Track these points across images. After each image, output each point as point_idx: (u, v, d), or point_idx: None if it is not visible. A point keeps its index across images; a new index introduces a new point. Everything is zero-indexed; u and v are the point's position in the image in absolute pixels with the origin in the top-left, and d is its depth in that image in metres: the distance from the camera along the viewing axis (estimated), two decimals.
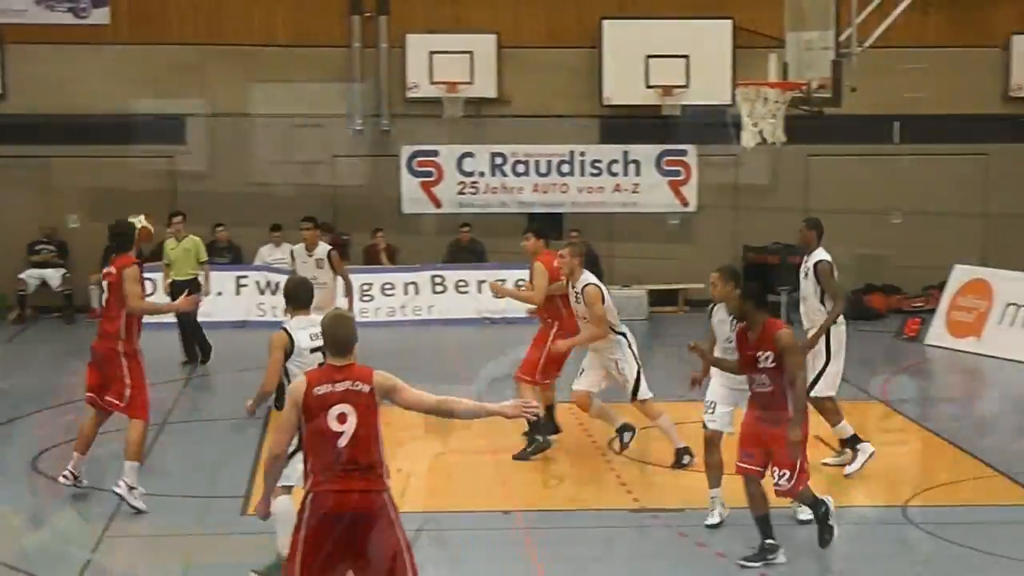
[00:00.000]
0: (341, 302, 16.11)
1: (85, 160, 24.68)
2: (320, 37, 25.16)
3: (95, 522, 11.60)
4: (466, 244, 24.95)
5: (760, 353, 10.48)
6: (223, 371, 15.77)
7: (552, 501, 12.51)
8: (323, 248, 16.34)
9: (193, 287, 19.17)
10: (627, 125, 25.36)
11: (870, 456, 13.13)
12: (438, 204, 25.43)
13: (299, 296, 10.47)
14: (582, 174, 25.59)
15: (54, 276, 24.27)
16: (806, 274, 13.49)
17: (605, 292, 13.41)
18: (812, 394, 12.53)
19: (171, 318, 19.18)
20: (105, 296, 12.55)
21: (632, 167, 25.66)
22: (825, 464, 13.34)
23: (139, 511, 11.78)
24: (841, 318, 13.31)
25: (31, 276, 24.16)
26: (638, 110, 25.03)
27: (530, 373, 14.25)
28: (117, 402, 12.27)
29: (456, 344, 21.50)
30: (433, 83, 24.74)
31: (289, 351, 10.12)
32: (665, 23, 25.00)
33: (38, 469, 13.43)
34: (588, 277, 13.32)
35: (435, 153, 25.36)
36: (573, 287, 13.48)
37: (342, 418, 7.76)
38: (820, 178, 25.76)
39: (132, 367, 12.27)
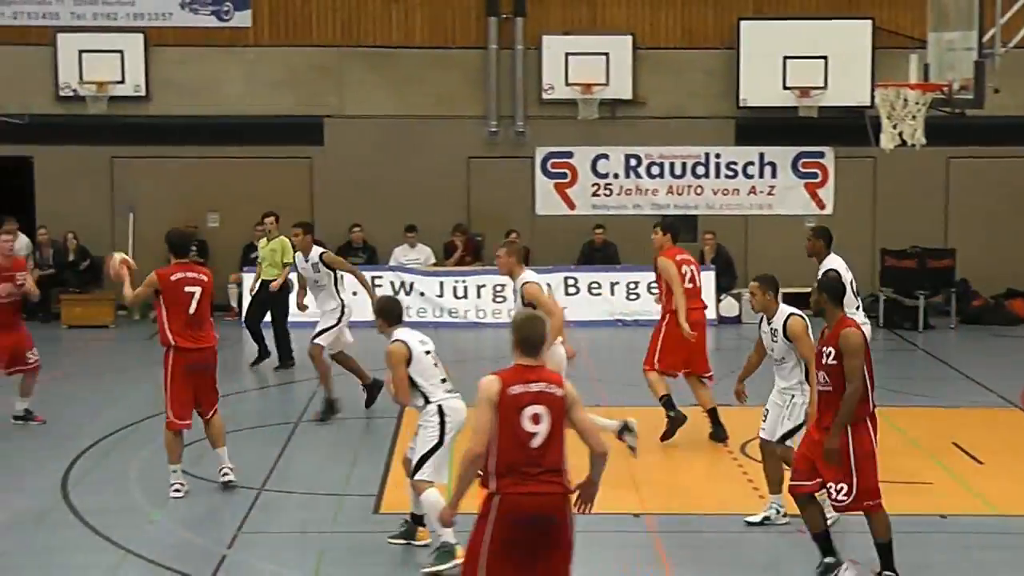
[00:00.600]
0: (351, 300, 16.53)
1: (225, 160, 25.13)
2: (456, 39, 25.31)
3: (230, 518, 11.77)
4: (600, 246, 24.91)
5: (825, 348, 10.22)
6: (343, 374, 15.94)
7: (683, 504, 12.43)
8: (316, 252, 16.46)
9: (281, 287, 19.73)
10: (763, 127, 25.15)
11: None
12: (572, 206, 25.43)
13: (393, 310, 10.99)
14: (717, 176, 25.43)
15: None
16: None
17: (542, 284, 13.50)
18: None
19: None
20: (197, 303, 12.51)
21: (768, 169, 25.43)
22: None
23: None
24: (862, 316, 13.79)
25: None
26: (774, 111, 24.78)
27: (649, 362, 15.03)
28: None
29: (589, 346, 21.44)
30: (568, 84, 24.75)
31: (408, 360, 10.56)
32: (803, 23, 24.74)
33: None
34: (527, 275, 13.39)
35: (569, 155, 25.37)
36: (514, 286, 13.69)
37: (536, 419, 7.73)
38: (960, 181, 25.32)
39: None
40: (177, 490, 12.38)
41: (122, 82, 24.63)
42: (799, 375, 11.42)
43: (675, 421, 14.86)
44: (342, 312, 16.07)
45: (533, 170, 25.36)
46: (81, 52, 24.51)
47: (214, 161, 25.12)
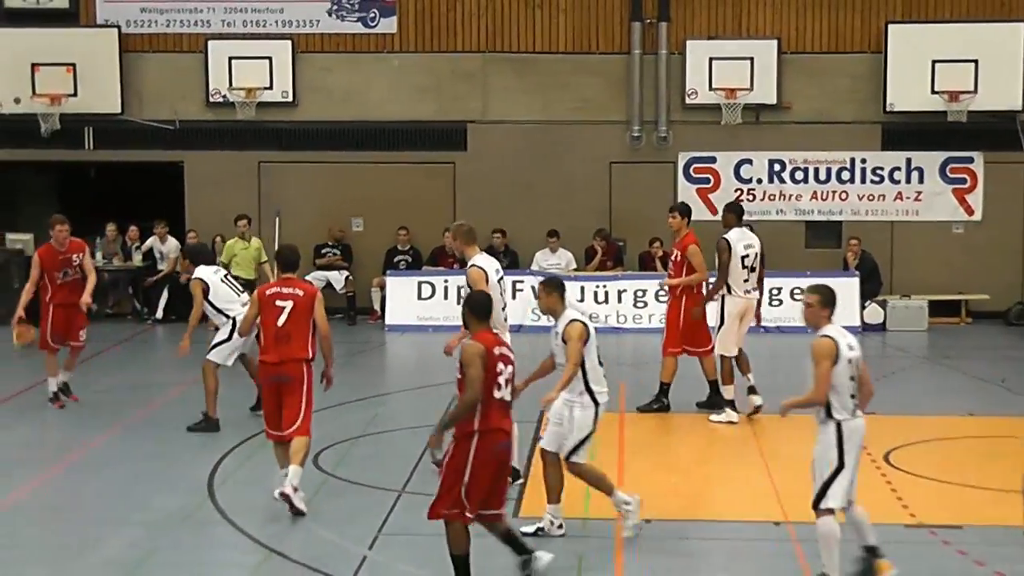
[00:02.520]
0: None
1: (370, 166, 25.41)
2: (600, 44, 25.31)
3: (372, 519, 11.88)
4: None
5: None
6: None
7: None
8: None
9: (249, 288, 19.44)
10: (910, 131, 24.78)
11: (729, 422, 15.68)
12: (714, 211, 25.23)
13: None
14: (863, 181, 25.10)
15: (338, 279, 24.97)
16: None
17: (487, 270, 13.08)
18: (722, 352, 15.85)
19: None
20: (287, 317, 12.30)
21: (915, 174, 25.05)
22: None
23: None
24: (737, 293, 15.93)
25: (316, 278, 24.88)
26: (922, 116, 24.41)
27: (672, 344, 16.32)
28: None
29: None
30: (712, 89, 24.62)
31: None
32: (953, 27, 24.36)
33: (319, 465, 13.80)
34: (476, 259, 13.15)
35: (712, 159, 25.24)
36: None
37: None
38: None
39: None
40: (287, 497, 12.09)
41: (270, 88, 25.04)
42: (581, 385, 11.06)
43: (661, 407, 16.35)
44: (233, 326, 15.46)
45: (675, 175, 25.27)
46: (231, 59, 24.98)
47: (359, 166, 25.42)
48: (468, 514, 9.81)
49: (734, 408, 15.95)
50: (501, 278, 13.22)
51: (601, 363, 11.31)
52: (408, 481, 13.28)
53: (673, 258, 16.50)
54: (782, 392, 17.47)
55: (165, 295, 24.74)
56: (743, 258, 16.09)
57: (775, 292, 23.69)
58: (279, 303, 12.29)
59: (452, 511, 9.80)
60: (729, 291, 15.99)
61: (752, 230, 16.79)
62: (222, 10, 25.44)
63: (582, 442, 11.19)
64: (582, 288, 23.90)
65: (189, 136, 25.41)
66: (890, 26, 24.43)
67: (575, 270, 24.51)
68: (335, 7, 25.43)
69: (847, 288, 23.60)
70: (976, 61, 23.98)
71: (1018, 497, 10.42)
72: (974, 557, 10.87)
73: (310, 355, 12.24)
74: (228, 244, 22.57)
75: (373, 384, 18.99)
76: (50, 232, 16.70)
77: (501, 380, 9.79)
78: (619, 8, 25.19)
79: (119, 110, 25.19)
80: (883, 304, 23.92)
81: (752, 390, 16.23)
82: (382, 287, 24.62)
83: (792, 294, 23.60)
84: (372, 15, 25.43)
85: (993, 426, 15.95)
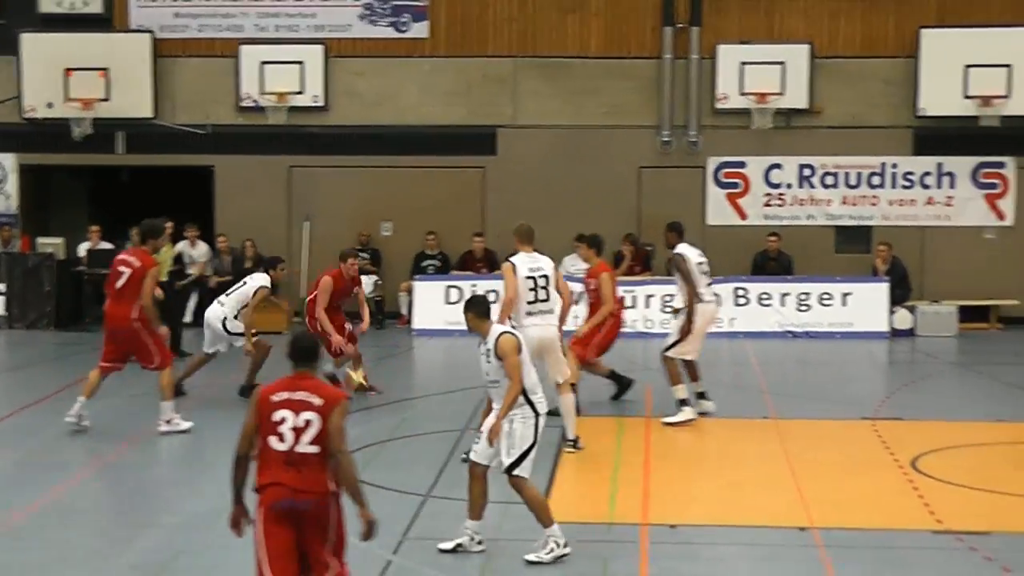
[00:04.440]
0: None
1: (400, 170, 25.49)
2: (632, 48, 25.31)
3: (397, 524, 11.90)
4: (774, 254, 24.66)
5: None
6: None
7: (851, 519, 12.23)
8: None
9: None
10: (942, 136, 24.70)
11: (687, 421, 15.84)
12: (743, 216, 25.26)
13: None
14: (893, 186, 25.04)
15: (367, 283, 24.96)
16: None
17: (517, 265, 14.39)
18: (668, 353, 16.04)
19: None
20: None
21: (946, 180, 24.98)
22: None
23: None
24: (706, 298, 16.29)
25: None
26: (954, 121, 24.34)
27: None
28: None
29: (759, 357, 21.28)
30: (743, 94, 24.62)
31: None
32: (986, 31, 24.31)
33: None
34: (515, 256, 14.56)
35: (742, 164, 25.21)
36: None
37: None
38: None
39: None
40: None
41: (301, 93, 25.15)
42: (520, 397, 10.80)
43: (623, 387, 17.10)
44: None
45: (705, 179, 25.26)
46: (263, 63, 25.09)
47: (389, 171, 25.51)
48: None
49: (688, 405, 16.07)
50: (540, 275, 14.30)
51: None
52: (435, 485, 13.30)
53: (588, 287, 16.64)
54: (813, 398, 17.61)
55: (195, 299, 24.82)
56: (699, 264, 16.36)
57: (803, 297, 23.65)
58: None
59: None
60: (699, 299, 16.23)
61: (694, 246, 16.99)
62: (255, 15, 25.56)
63: (524, 455, 10.84)
64: None
65: (220, 140, 25.53)
66: (923, 31, 24.38)
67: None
68: (367, 12, 25.52)
69: (876, 294, 23.61)
70: (1009, 66, 23.92)
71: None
72: (1001, 563, 10.81)
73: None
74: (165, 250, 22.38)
75: (401, 388, 19.02)
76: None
77: (283, 430, 8.30)
78: (651, 13, 25.20)
79: (151, 114, 25.35)
80: (912, 309, 23.85)
81: (704, 396, 16.58)
82: (410, 291, 24.67)
83: (820, 299, 23.55)
84: (404, 19, 25.50)
85: (1022, 432, 15.87)
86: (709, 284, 16.50)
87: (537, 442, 10.92)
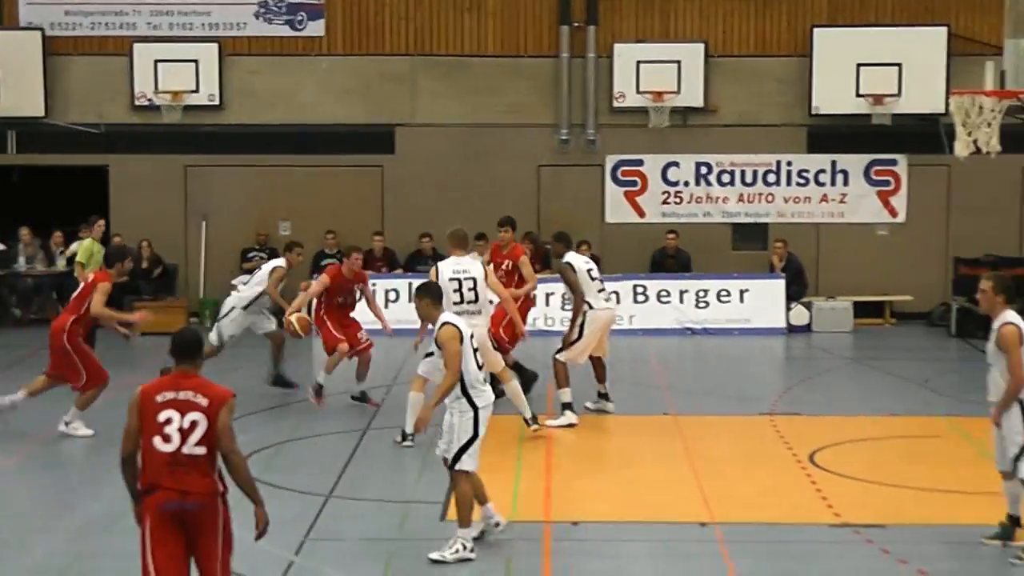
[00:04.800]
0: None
1: (297, 169, 25.32)
2: (528, 47, 25.35)
3: (298, 524, 11.84)
4: (672, 252, 24.81)
5: None
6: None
7: (750, 514, 12.36)
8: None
9: None
10: (836, 134, 25.01)
11: (569, 425, 15.79)
12: (641, 214, 25.39)
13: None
14: (788, 184, 25.30)
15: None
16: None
17: (440, 269, 14.90)
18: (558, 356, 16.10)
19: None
20: None
21: (840, 177, 25.28)
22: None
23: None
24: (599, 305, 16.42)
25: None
26: (847, 119, 24.64)
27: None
28: None
29: (658, 354, 21.43)
30: (640, 92, 24.73)
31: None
32: (878, 31, 24.60)
33: None
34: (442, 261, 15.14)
35: (640, 163, 25.35)
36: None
37: None
38: None
39: None
40: None
41: (196, 91, 24.88)
42: (458, 390, 10.92)
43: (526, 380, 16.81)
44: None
45: (603, 178, 25.36)
46: (157, 62, 24.79)
47: (286, 170, 25.32)
48: None
49: (572, 410, 16.07)
50: (467, 277, 14.71)
51: (480, 366, 11.12)
52: (336, 485, 13.25)
53: (505, 267, 17.09)
54: (712, 394, 17.75)
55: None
56: (589, 271, 16.52)
57: (701, 294, 23.84)
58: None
59: None
60: (590, 307, 16.32)
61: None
62: (148, 12, 25.25)
63: (464, 448, 10.90)
64: None
65: (114, 139, 25.19)
66: (815, 30, 24.63)
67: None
68: (262, 10, 25.31)
69: (773, 290, 23.85)
70: (900, 65, 24.23)
71: (940, 496, 10.55)
72: (897, 556, 10.98)
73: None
74: (85, 245, 22.05)
75: (301, 388, 18.90)
76: None
77: (169, 431, 8.14)
78: (547, 12, 25.24)
79: (43, 113, 24.95)
80: (808, 306, 24.11)
81: (605, 397, 16.75)
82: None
83: (719, 296, 23.76)
84: (300, 18, 25.33)
85: (916, 426, 16.13)
86: (601, 290, 16.60)
87: (479, 435, 10.96)
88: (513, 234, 17.46)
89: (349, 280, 17.29)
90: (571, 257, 16.49)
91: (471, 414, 10.94)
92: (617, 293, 23.82)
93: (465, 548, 10.85)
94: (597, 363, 16.70)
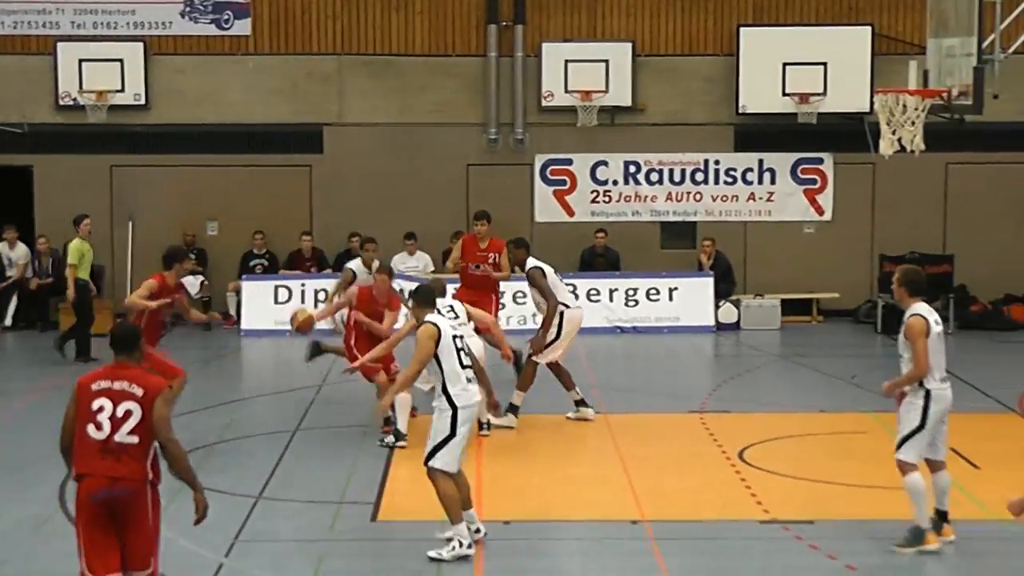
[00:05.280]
0: None
1: (224, 169, 25.14)
2: (456, 46, 25.33)
3: (228, 526, 11.76)
4: (601, 251, 24.88)
5: None
6: (353, 379, 15.90)
7: (681, 511, 12.43)
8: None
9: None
10: (762, 133, 25.16)
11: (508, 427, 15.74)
12: (571, 213, 25.44)
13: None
14: (716, 183, 25.43)
15: (193, 283, 24.63)
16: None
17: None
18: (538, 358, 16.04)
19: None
20: None
21: (767, 175, 25.44)
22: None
23: None
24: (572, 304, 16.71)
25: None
26: (774, 118, 24.80)
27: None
28: None
29: (588, 353, 21.46)
30: (568, 92, 24.77)
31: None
32: (803, 30, 24.77)
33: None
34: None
35: (569, 162, 25.39)
36: None
37: None
38: (959, 187, 25.31)
39: None
40: None
41: (122, 91, 24.65)
42: (439, 388, 11.03)
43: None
44: None
45: (532, 177, 25.38)
46: (81, 61, 24.55)
47: (213, 169, 25.13)
48: None
49: (516, 415, 16.04)
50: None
51: (465, 366, 11.10)
52: (265, 487, 13.18)
53: (491, 260, 17.41)
54: (642, 392, 17.81)
55: (14, 302, 24.19)
56: (554, 274, 16.63)
57: (631, 292, 23.92)
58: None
59: None
60: (566, 306, 16.42)
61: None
62: (71, 11, 24.98)
63: (439, 447, 10.91)
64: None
65: (38, 140, 24.90)
66: (742, 29, 24.77)
67: (433, 272, 24.48)
68: (188, 8, 25.11)
69: (702, 288, 23.96)
70: (825, 64, 24.41)
71: (868, 491, 10.65)
72: (826, 551, 11.08)
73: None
74: (74, 245, 21.87)
75: (229, 390, 18.81)
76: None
77: (101, 419, 8.23)
78: (475, 11, 25.23)
79: None
80: (737, 303, 24.25)
81: (583, 403, 16.51)
82: (238, 291, 24.37)
83: (648, 295, 23.85)
84: (226, 17, 25.16)
85: (844, 422, 16.24)
86: (572, 289, 16.80)
87: (456, 435, 10.92)
88: (488, 225, 17.61)
89: (379, 304, 15.42)
90: (536, 262, 16.46)
91: (449, 413, 10.95)
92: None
93: (462, 545, 10.88)
94: (560, 370, 16.46)
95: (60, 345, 20.68)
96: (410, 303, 11.59)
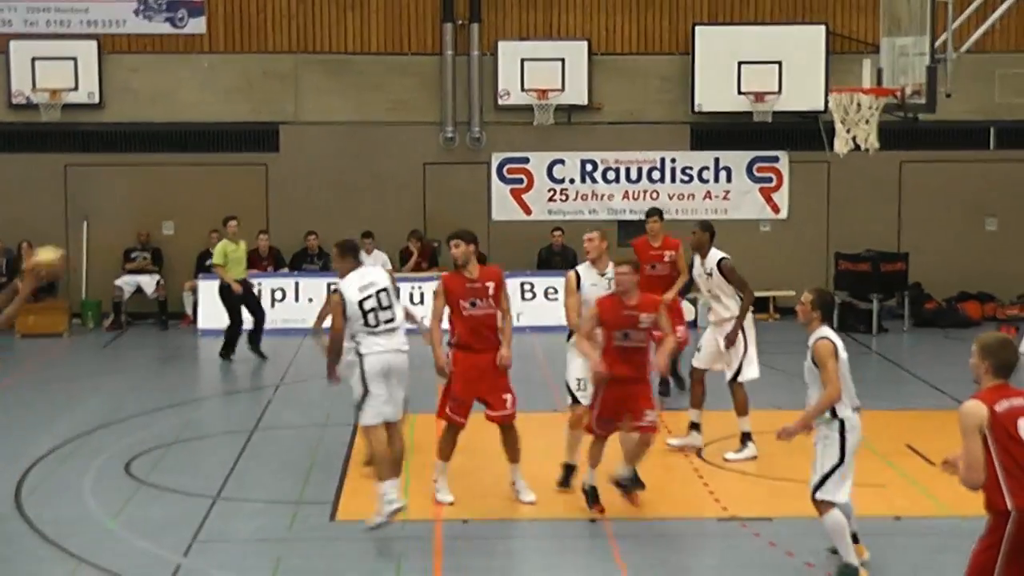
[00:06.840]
0: None
1: (180, 168, 25.04)
2: (412, 45, 25.31)
3: (186, 526, 11.72)
4: (558, 249, 24.91)
5: None
6: (310, 377, 15.87)
7: (640, 509, 12.44)
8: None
9: (246, 287, 21.13)
10: (718, 132, 25.27)
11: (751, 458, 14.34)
12: (528, 211, 25.47)
13: None
14: (672, 181, 25.52)
15: (149, 283, 24.57)
16: (710, 274, 15.30)
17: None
18: (742, 379, 14.86)
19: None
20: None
21: (723, 174, 25.55)
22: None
23: None
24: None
25: (126, 283, 24.49)
26: (729, 117, 24.91)
27: None
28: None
29: (545, 351, 21.46)
30: (524, 90, 24.80)
31: None
32: (757, 29, 24.90)
33: (131, 473, 13.58)
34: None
35: (525, 160, 25.42)
36: None
37: None
38: (913, 185, 25.49)
39: None
40: None
41: (75, 89, 24.50)
42: (349, 344, 11.61)
43: None
44: None
45: (489, 176, 25.39)
46: (34, 59, 24.39)
47: (169, 168, 25.03)
48: None
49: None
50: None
51: (366, 313, 11.75)
52: (223, 487, 13.13)
53: (666, 259, 17.51)
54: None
55: None
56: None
57: None
58: None
59: None
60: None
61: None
62: (24, 9, 24.80)
63: (359, 405, 11.52)
64: (397, 289, 23.80)
65: None
66: (697, 28, 24.86)
67: (390, 271, 24.44)
68: (142, 7, 24.98)
69: None
70: (780, 63, 24.53)
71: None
72: (784, 548, 11.13)
73: None
74: (219, 247, 21.45)
75: (186, 389, 18.73)
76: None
77: None
78: (430, 9, 25.21)
79: None
80: (694, 302, 24.31)
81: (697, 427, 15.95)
82: (194, 291, 24.26)
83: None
84: (180, 15, 25.04)
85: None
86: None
87: (368, 392, 11.43)
88: (662, 223, 17.65)
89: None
90: (720, 252, 15.70)
91: (357, 364, 11.48)
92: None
93: (391, 503, 11.17)
94: (702, 388, 15.72)
95: (227, 354, 20.64)
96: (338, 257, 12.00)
